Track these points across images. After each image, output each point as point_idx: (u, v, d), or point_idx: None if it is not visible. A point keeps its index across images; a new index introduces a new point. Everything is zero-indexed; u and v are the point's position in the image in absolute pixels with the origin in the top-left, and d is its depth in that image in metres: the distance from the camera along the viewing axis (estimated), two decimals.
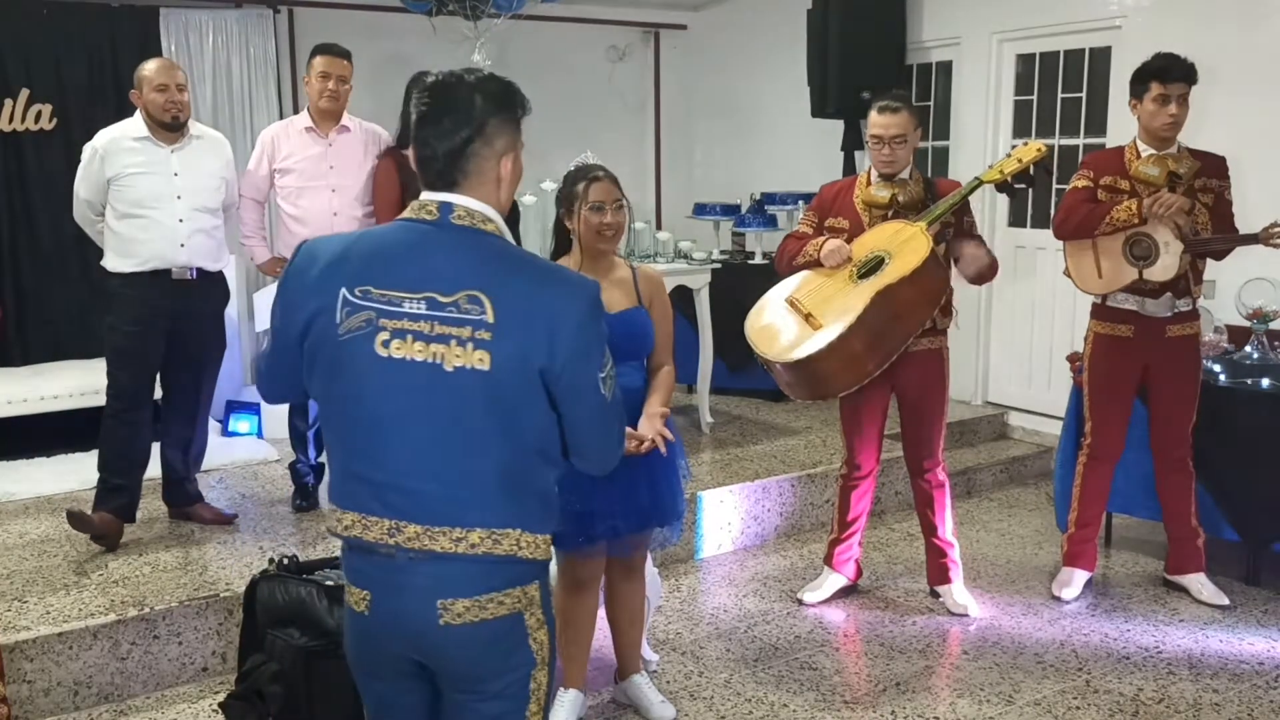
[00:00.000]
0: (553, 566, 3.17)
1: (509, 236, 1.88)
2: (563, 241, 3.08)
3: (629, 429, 2.90)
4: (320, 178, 4.37)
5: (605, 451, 1.94)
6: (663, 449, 2.89)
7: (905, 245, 3.62)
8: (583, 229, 2.97)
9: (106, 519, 4.00)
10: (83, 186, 4.04)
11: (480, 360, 1.74)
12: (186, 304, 4.08)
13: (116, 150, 3.97)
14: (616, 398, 1.90)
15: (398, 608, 1.82)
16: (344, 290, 1.79)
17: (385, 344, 1.76)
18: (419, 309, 1.76)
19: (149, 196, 3.97)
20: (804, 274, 3.80)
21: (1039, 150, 3.80)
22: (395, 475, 1.80)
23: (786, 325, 3.67)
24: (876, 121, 3.78)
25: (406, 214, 1.87)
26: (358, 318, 1.78)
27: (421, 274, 1.78)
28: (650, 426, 2.92)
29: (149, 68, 4.01)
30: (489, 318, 1.75)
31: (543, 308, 1.77)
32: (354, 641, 1.94)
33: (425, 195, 1.86)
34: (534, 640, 1.87)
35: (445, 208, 1.82)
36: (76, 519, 3.89)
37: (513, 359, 1.75)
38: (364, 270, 1.80)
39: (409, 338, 1.76)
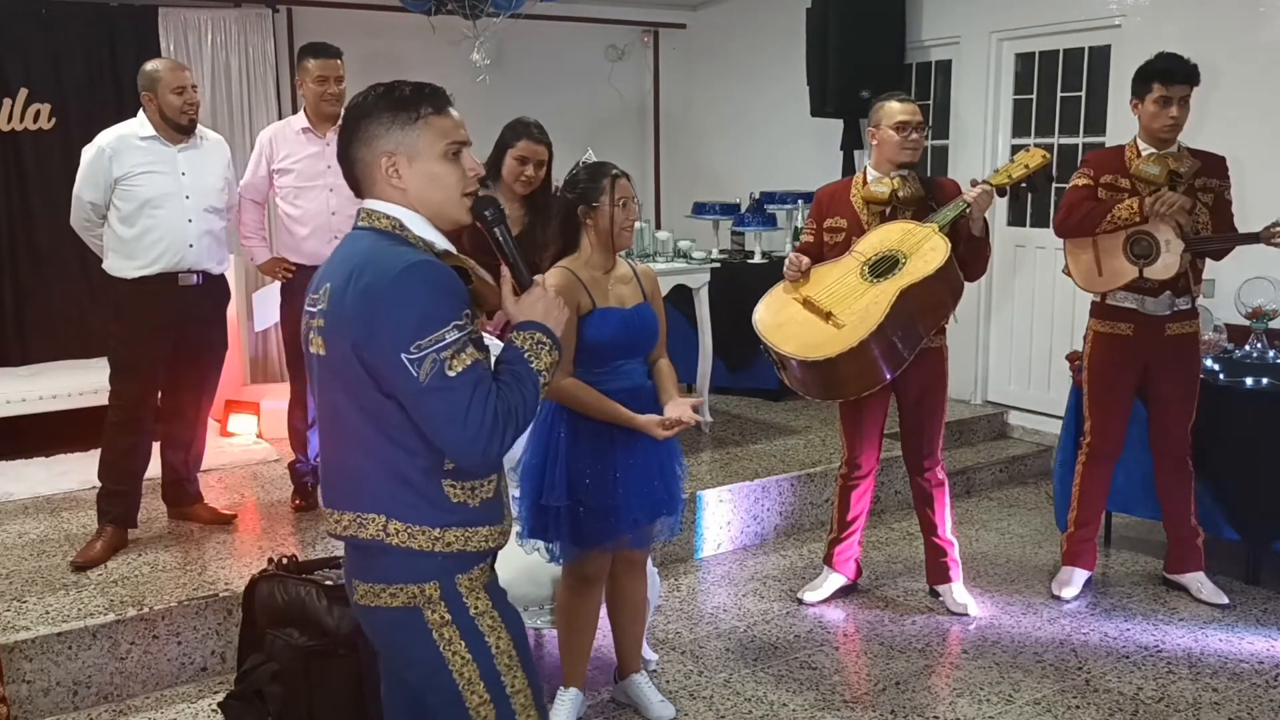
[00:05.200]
0: (554, 570, 3.18)
1: (418, 233, 1.92)
2: (571, 239, 3.06)
3: (657, 418, 2.91)
4: (318, 177, 4.36)
5: (450, 439, 1.81)
6: (693, 419, 2.95)
7: (921, 245, 3.62)
8: (612, 226, 2.96)
9: (110, 543, 3.98)
10: (86, 188, 3.95)
11: (319, 347, 1.91)
12: (191, 309, 4.06)
13: (124, 149, 3.92)
14: (453, 379, 1.78)
15: (347, 577, 2.03)
16: (309, 300, 2.00)
17: (310, 341, 1.96)
18: (314, 307, 1.94)
19: (158, 196, 3.93)
20: (812, 271, 3.81)
21: (1044, 157, 3.84)
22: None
23: (805, 324, 3.65)
24: (901, 109, 3.79)
25: None
26: (305, 322, 1.98)
27: (325, 274, 1.95)
28: (678, 409, 2.94)
29: (162, 69, 3.96)
30: (325, 306, 1.89)
31: (358, 291, 1.83)
32: None
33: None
34: (439, 637, 1.90)
35: (359, 213, 1.98)
36: (83, 566, 3.86)
37: (336, 344, 1.86)
38: (316, 280, 1.99)
39: (313, 333, 1.94)
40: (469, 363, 1.80)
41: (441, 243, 1.95)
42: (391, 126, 1.91)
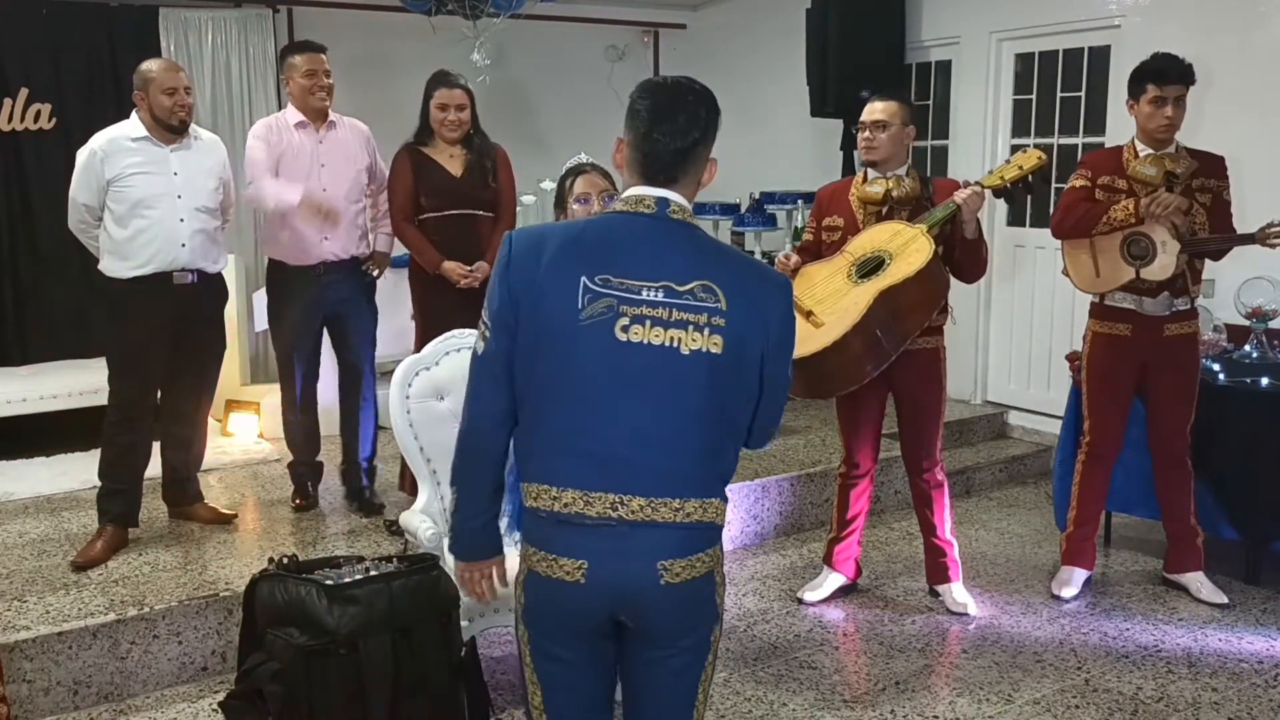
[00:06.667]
0: None
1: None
2: None
3: None
4: (312, 174, 4.35)
5: (774, 429, 2.14)
6: None
7: (907, 246, 3.62)
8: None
9: (110, 542, 3.98)
10: (81, 191, 3.95)
11: (715, 344, 1.93)
12: (188, 308, 4.05)
13: (116, 151, 3.92)
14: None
15: (621, 571, 1.95)
16: (584, 278, 1.92)
17: (625, 329, 1.91)
18: (656, 296, 1.92)
19: (150, 196, 3.93)
20: (800, 271, 3.81)
21: (1039, 158, 3.81)
22: (623, 449, 1.93)
23: None
24: (866, 109, 3.83)
25: (621, 206, 2.00)
26: (599, 304, 1.91)
27: (655, 264, 1.94)
28: None
29: (155, 70, 3.96)
30: (723, 305, 1.93)
31: (760, 298, 1.99)
32: (555, 610, 2.02)
33: (642, 189, 1.99)
34: (718, 596, 2.07)
35: (662, 202, 1.98)
36: (83, 565, 3.86)
37: (739, 345, 1.95)
38: (601, 260, 1.94)
39: (647, 323, 1.91)
40: None
41: None
42: (716, 131, 2.03)
